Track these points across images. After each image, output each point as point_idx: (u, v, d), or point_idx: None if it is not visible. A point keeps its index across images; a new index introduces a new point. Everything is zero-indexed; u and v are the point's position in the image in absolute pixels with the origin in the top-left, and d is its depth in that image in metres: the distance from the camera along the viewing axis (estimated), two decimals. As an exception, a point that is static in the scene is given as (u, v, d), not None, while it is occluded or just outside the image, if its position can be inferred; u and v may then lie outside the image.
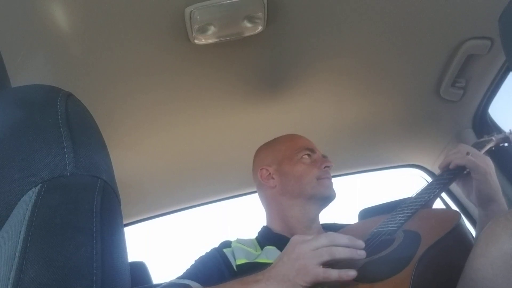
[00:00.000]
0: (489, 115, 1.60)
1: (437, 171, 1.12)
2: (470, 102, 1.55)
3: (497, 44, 1.29)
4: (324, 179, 1.20)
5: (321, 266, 0.75)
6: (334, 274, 0.74)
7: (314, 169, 1.21)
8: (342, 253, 0.76)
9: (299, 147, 1.26)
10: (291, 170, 1.22)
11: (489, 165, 1.02)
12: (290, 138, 1.32)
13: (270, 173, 1.25)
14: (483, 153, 1.13)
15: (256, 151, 1.36)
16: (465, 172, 1.05)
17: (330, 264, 0.78)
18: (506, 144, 1.25)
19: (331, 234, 0.80)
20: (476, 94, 1.51)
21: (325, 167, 1.22)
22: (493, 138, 1.21)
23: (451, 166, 1.05)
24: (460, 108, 1.58)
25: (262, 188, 1.29)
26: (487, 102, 1.55)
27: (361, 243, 0.79)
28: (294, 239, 0.82)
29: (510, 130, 1.27)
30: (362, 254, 0.77)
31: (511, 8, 0.67)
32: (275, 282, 0.78)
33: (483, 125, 1.59)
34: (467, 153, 1.04)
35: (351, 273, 0.74)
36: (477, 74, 1.43)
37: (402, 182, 2.16)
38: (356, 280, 0.76)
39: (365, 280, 0.76)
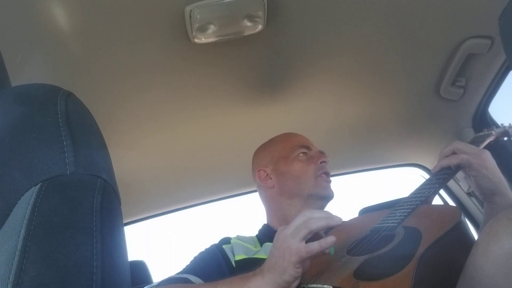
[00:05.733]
0: (489, 114, 1.60)
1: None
2: (470, 101, 1.55)
3: (497, 43, 1.29)
4: (321, 178, 1.20)
5: (303, 242, 0.77)
6: (315, 246, 0.76)
7: (310, 166, 1.21)
8: (317, 222, 0.78)
9: (295, 145, 1.26)
10: (288, 169, 1.23)
11: (485, 159, 1.00)
12: (285, 137, 1.32)
13: (267, 174, 1.26)
14: (483, 147, 1.12)
15: (254, 153, 1.36)
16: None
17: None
18: (505, 138, 1.24)
19: (306, 211, 0.82)
20: (476, 93, 1.51)
21: (321, 162, 1.22)
22: (493, 132, 1.21)
23: (443, 166, 1.04)
24: (460, 107, 1.58)
25: (261, 189, 1.30)
26: (487, 101, 1.55)
27: (337, 217, 0.80)
28: (278, 230, 0.84)
29: (510, 124, 1.26)
30: (337, 219, 0.79)
31: (511, 7, 0.67)
32: (269, 273, 0.79)
33: (483, 124, 1.58)
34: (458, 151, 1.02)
35: (329, 239, 0.76)
36: (477, 73, 1.43)
37: (402, 181, 2.16)
38: (357, 277, 0.76)
39: (366, 277, 0.76)
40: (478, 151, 1.02)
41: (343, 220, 1.14)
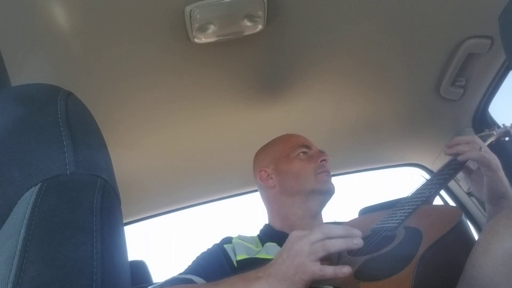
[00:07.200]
0: (489, 114, 1.60)
1: (437, 170, 1.12)
2: (470, 101, 1.55)
3: (497, 43, 1.29)
4: (321, 174, 1.20)
5: (318, 262, 0.75)
6: (329, 271, 0.74)
7: (310, 164, 1.21)
8: (337, 245, 0.76)
9: (295, 145, 1.26)
10: (288, 168, 1.23)
11: (498, 161, 1.00)
12: (286, 138, 1.33)
13: (268, 174, 1.26)
14: None
15: (255, 155, 1.36)
16: (473, 167, 1.04)
17: (333, 257, 0.77)
18: (507, 139, 1.24)
19: (326, 227, 0.78)
20: (476, 93, 1.51)
21: (321, 160, 1.22)
22: (494, 133, 1.21)
23: (460, 158, 1.02)
24: (460, 107, 1.58)
25: (263, 189, 1.30)
26: (487, 101, 1.55)
27: (358, 232, 0.77)
28: (292, 235, 0.81)
29: (511, 124, 1.26)
30: (358, 243, 0.76)
31: (511, 7, 0.67)
32: (275, 280, 0.77)
33: (483, 123, 1.59)
34: (480, 148, 1.02)
35: (345, 270, 0.73)
36: (477, 73, 1.43)
37: (402, 181, 2.16)
38: (358, 278, 0.76)
39: (367, 278, 0.76)
40: (493, 154, 1.02)
41: (343, 221, 1.14)
